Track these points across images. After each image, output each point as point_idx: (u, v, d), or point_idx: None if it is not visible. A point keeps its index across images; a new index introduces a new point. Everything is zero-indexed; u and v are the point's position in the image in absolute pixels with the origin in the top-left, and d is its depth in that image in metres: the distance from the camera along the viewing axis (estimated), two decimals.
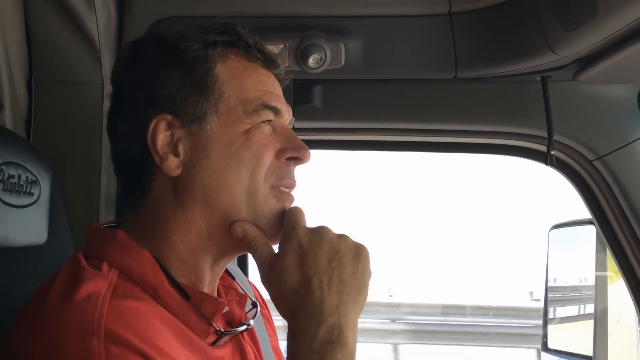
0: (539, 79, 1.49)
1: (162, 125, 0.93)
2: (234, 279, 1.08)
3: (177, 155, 0.93)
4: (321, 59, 1.48)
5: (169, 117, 0.93)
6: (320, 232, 0.91)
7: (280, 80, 1.03)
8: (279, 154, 0.96)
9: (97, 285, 0.84)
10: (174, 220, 0.93)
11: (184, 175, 0.93)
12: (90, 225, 0.97)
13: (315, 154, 1.70)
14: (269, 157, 0.95)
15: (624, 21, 1.14)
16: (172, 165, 0.93)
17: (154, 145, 0.93)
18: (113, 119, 0.99)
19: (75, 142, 1.47)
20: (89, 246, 0.94)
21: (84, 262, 0.89)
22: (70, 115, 1.47)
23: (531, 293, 7.29)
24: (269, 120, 0.97)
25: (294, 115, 1.59)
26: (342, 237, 0.92)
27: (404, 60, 1.52)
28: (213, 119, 0.94)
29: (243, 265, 1.85)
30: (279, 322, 1.15)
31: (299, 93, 1.58)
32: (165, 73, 0.94)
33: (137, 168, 0.95)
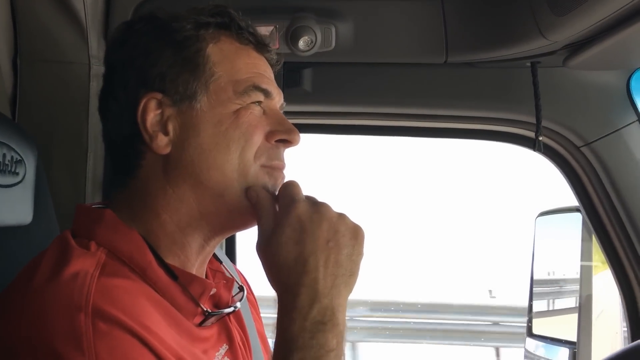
0: (528, 64, 1.49)
1: (152, 104, 0.93)
2: (221, 262, 1.08)
3: (166, 133, 0.93)
4: (311, 42, 1.47)
5: (159, 95, 0.93)
6: (321, 210, 0.90)
7: (271, 65, 1.03)
8: (268, 135, 0.96)
9: (86, 263, 0.84)
10: (164, 198, 0.93)
11: (174, 154, 0.93)
12: (79, 205, 0.97)
13: (304, 137, 1.71)
14: (258, 138, 0.95)
15: (614, 6, 1.14)
16: (162, 143, 0.93)
17: (143, 123, 0.93)
18: (104, 99, 0.99)
19: (61, 122, 1.45)
20: (77, 225, 0.94)
21: (72, 241, 0.88)
22: (56, 95, 1.46)
23: (490, 291, 7.35)
24: (259, 102, 0.97)
25: (283, 98, 1.58)
26: (341, 217, 0.91)
27: (394, 44, 1.52)
28: (203, 98, 0.94)
29: (230, 253, 1.85)
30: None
31: (289, 76, 1.57)
32: (156, 52, 0.94)
33: (127, 147, 0.95)
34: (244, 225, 0.99)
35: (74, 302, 0.79)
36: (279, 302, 0.89)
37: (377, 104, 1.61)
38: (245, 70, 0.97)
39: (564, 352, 2.17)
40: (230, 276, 1.07)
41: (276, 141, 0.97)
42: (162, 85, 0.93)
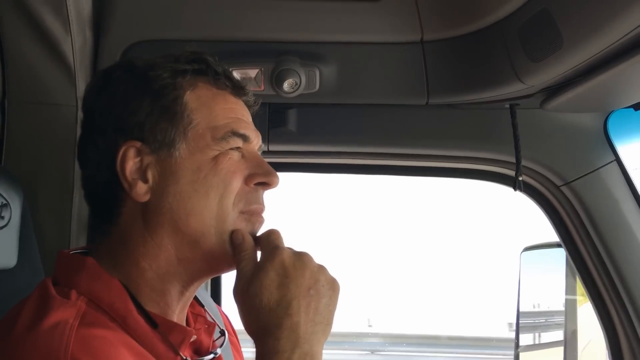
0: (507, 106, 1.52)
1: (131, 152, 0.94)
2: (203, 306, 1.08)
3: (145, 181, 0.94)
4: (296, 84, 1.50)
5: (137, 143, 0.94)
6: (304, 259, 0.92)
7: (249, 107, 1.04)
8: (247, 179, 0.97)
9: (65, 313, 0.84)
10: (143, 246, 0.94)
11: (153, 201, 0.94)
12: (61, 252, 0.97)
13: (289, 176, 1.73)
14: (237, 183, 0.96)
15: (588, 53, 1.18)
16: (141, 191, 0.94)
17: (122, 171, 0.94)
18: (83, 145, 1.00)
19: (47, 165, 1.46)
20: (59, 273, 0.94)
21: (52, 290, 0.89)
22: (43, 137, 1.47)
23: (510, 324, 7.35)
24: (238, 147, 0.98)
25: (268, 138, 1.60)
26: (321, 268, 0.93)
27: (377, 86, 1.55)
28: (182, 145, 0.95)
29: (215, 293, 1.86)
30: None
31: (274, 116, 1.59)
32: (134, 101, 0.95)
33: (106, 194, 0.96)
34: (220, 270, 1.00)
35: (53, 353, 0.79)
36: (257, 347, 0.89)
37: (361, 144, 1.63)
38: (222, 116, 0.98)
39: None
40: (212, 320, 1.07)
41: (255, 184, 0.98)
42: (140, 134, 0.94)
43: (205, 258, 0.95)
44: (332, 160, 1.71)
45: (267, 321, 0.88)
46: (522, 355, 2.50)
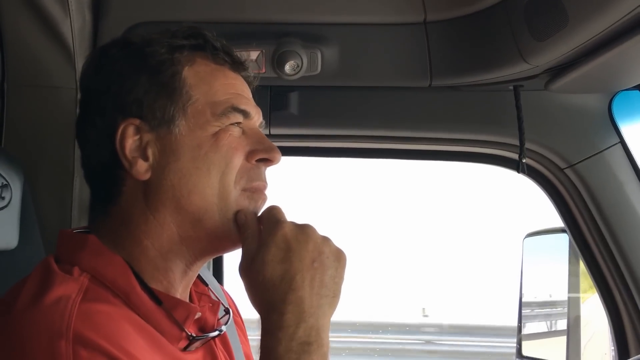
0: (511, 88, 1.51)
1: (130, 130, 0.93)
2: (207, 285, 1.08)
3: (146, 159, 0.93)
4: (297, 66, 1.49)
5: (136, 121, 0.93)
6: (307, 231, 0.90)
7: (249, 83, 1.03)
8: (249, 155, 0.96)
9: (68, 288, 0.84)
10: (145, 224, 0.93)
11: (154, 179, 0.93)
12: (62, 230, 0.97)
13: (290, 160, 1.72)
14: (238, 160, 0.95)
15: (593, 31, 1.16)
16: (142, 169, 0.92)
17: (122, 150, 0.92)
18: (82, 126, 0.99)
19: (47, 146, 1.45)
20: (61, 251, 0.93)
21: (54, 266, 0.88)
22: (43, 119, 1.46)
23: (423, 309, 7.41)
24: (238, 123, 0.96)
25: (270, 122, 1.59)
26: (326, 240, 0.92)
27: (379, 68, 1.54)
28: (181, 122, 0.93)
29: (218, 273, 1.85)
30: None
31: (276, 99, 1.58)
32: (131, 78, 0.94)
33: (107, 173, 0.95)
34: (223, 249, 0.99)
35: (55, 328, 0.78)
36: (262, 323, 0.88)
37: (363, 127, 1.62)
38: (222, 92, 0.96)
39: None
40: (216, 299, 1.06)
41: (257, 161, 0.97)
42: (139, 111, 0.93)
43: (209, 237, 0.94)
44: (334, 144, 1.71)
45: (271, 296, 0.87)
46: (524, 343, 2.50)
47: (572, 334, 2.18)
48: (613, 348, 1.68)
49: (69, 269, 0.88)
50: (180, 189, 0.92)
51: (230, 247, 0.97)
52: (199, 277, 1.05)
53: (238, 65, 1.01)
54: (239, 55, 1.02)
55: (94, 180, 0.98)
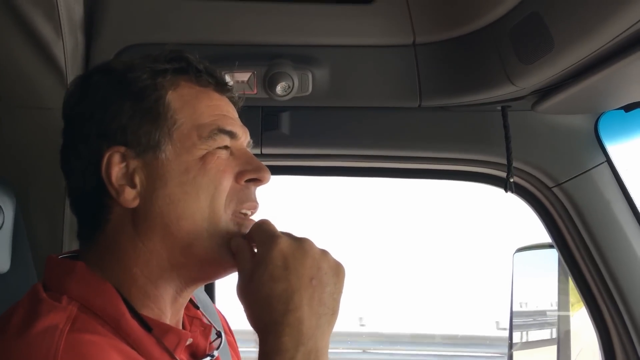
0: (499, 108, 1.53)
1: (116, 158, 0.92)
2: (198, 308, 1.07)
3: (133, 186, 0.92)
4: (289, 87, 1.50)
5: (122, 148, 0.92)
6: (304, 246, 0.88)
7: (234, 103, 1.02)
8: (238, 176, 0.95)
9: (56, 318, 0.82)
10: (134, 251, 0.92)
11: (142, 206, 0.91)
12: (50, 257, 0.95)
13: (282, 179, 1.73)
14: (227, 182, 0.94)
15: (578, 55, 1.18)
16: (129, 197, 0.91)
17: (108, 178, 0.91)
18: (66, 154, 0.98)
19: (39, 169, 1.45)
20: (49, 278, 0.92)
21: (43, 295, 0.87)
22: (35, 141, 1.46)
23: (497, 322, 7.41)
24: (225, 146, 0.96)
25: (262, 141, 1.59)
26: (324, 254, 0.89)
27: (370, 89, 1.55)
28: (167, 147, 0.92)
29: (210, 290, 1.85)
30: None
31: (267, 120, 1.59)
32: (115, 105, 0.93)
33: (93, 202, 0.93)
34: (215, 275, 0.98)
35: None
36: (260, 345, 0.86)
37: (354, 146, 1.64)
38: (207, 114, 0.95)
39: None
40: (208, 322, 1.05)
41: (246, 181, 0.96)
42: (124, 138, 0.92)
43: (199, 263, 0.93)
44: (325, 163, 1.72)
45: (268, 317, 0.85)
46: (515, 354, 2.51)
47: (562, 348, 2.20)
48: None
49: (57, 297, 0.86)
50: (169, 215, 0.91)
51: (221, 273, 0.97)
52: (191, 300, 1.04)
53: (222, 87, 1.00)
54: (222, 77, 1.01)
55: (80, 208, 0.97)
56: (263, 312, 0.86)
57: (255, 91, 1.50)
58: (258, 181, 0.97)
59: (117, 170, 0.91)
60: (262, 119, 1.59)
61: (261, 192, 1.01)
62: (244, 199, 0.95)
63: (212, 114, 0.96)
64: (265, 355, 0.84)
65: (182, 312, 0.99)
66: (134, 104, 0.93)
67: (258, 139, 1.57)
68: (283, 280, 0.85)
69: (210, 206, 0.92)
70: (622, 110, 1.52)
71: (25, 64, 1.44)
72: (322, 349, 0.85)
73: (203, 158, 0.93)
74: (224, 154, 0.95)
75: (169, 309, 0.94)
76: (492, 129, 1.56)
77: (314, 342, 0.84)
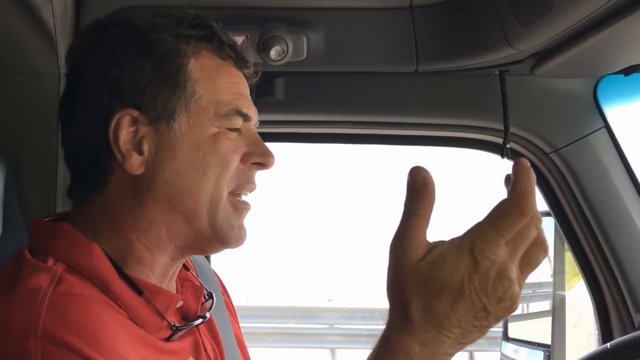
0: (497, 73, 1.51)
1: (127, 120, 0.89)
2: (188, 270, 1.05)
3: (140, 153, 0.89)
4: (283, 51, 1.47)
5: (135, 112, 0.89)
6: (511, 288, 0.70)
7: (247, 79, 1.00)
8: (244, 158, 0.94)
9: (39, 279, 0.81)
10: (133, 218, 0.90)
11: (147, 175, 0.89)
12: (35, 220, 0.93)
13: (276, 146, 1.71)
14: (234, 163, 0.92)
15: (578, 16, 1.16)
16: (135, 163, 0.89)
17: (115, 140, 0.89)
18: (69, 104, 0.93)
19: (30, 134, 1.43)
20: (34, 241, 0.90)
21: (27, 257, 0.85)
22: (25, 106, 1.44)
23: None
24: (237, 129, 0.94)
25: (257, 107, 1.57)
26: (515, 284, 0.71)
27: (366, 53, 1.53)
28: (182, 118, 0.90)
29: None
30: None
31: (261, 85, 1.56)
32: (134, 64, 0.89)
33: (93, 161, 0.91)
34: (209, 251, 0.97)
35: (24, 325, 0.75)
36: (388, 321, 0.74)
37: (349, 113, 1.62)
38: (227, 91, 0.93)
39: (538, 355, 2.20)
40: (199, 284, 1.03)
41: (251, 163, 0.95)
42: (139, 101, 0.89)
43: (197, 239, 0.92)
44: (320, 130, 1.70)
45: (437, 318, 0.70)
46: (510, 325, 2.53)
47: (557, 316, 2.21)
48: (597, 329, 1.71)
49: (42, 259, 0.84)
50: (174, 188, 0.89)
51: (217, 249, 0.96)
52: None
53: (242, 62, 0.98)
54: (243, 52, 0.98)
55: (77, 163, 0.94)
56: (413, 310, 0.71)
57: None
58: (262, 165, 0.96)
59: (125, 134, 0.89)
60: (256, 85, 1.56)
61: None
62: (245, 181, 0.95)
63: (231, 91, 0.94)
64: (391, 348, 0.72)
65: (175, 277, 0.98)
66: (155, 67, 0.90)
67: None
68: (458, 268, 0.70)
69: (215, 185, 0.91)
70: (622, 74, 1.50)
71: (14, 29, 1.41)
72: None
73: (215, 136, 0.91)
74: (234, 134, 0.93)
75: (162, 274, 0.93)
76: (489, 94, 1.55)
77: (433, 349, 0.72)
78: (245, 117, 0.95)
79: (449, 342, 0.72)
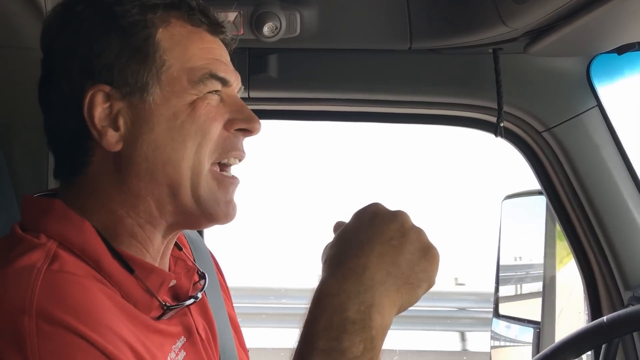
0: (491, 51, 1.51)
1: (100, 97, 0.87)
2: (181, 249, 1.04)
3: (117, 129, 0.88)
4: (276, 28, 1.46)
5: (106, 88, 0.88)
6: (396, 213, 0.84)
7: (226, 45, 0.97)
8: (227, 124, 0.91)
9: (33, 257, 0.80)
10: (119, 195, 0.89)
11: (126, 151, 0.88)
12: (26, 196, 0.92)
13: (269, 124, 1.71)
14: (216, 131, 0.90)
15: None
16: (112, 140, 0.88)
17: (91, 118, 0.87)
18: (45, 89, 0.93)
19: (20, 111, 1.41)
20: (26, 218, 0.89)
21: (19, 233, 0.84)
22: (15, 82, 1.42)
23: (456, 279, 7.56)
24: (217, 91, 0.91)
25: (249, 85, 1.56)
26: (417, 229, 0.84)
27: (359, 30, 1.52)
28: (155, 90, 0.88)
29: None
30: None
31: (254, 62, 1.56)
32: (100, 40, 0.88)
33: (73, 142, 0.90)
34: (198, 225, 0.95)
35: (18, 303, 0.74)
36: (318, 286, 0.81)
37: (343, 90, 1.61)
38: (199, 57, 0.90)
39: (528, 332, 2.23)
40: (192, 264, 1.03)
41: (235, 130, 0.92)
42: (109, 77, 0.87)
43: (184, 212, 0.90)
44: (313, 107, 1.70)
45: (337, 260, 0.82)
46: (501, 304, 2.56)
47: (548, 293, 2.23)
48: (587, 306, 1.72)
49: (35, 235, 0.84)
50: (154, 161, 0.87)
51: (204, 223, 0.94)
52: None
53: (216, 27, 0.95)
54: (216, 16, 0.95)
55: (59, 147, 0.93)
56: (334, 255, 0.83)
57: (242, 32, 1.46)
58: (248, 132, 0.93)
59: (100, 111, 0.87)
60: (249, 62, 1.55)
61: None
62: (229, 148, 0.92)
63: (204, 57, 0.91)
64: (321, 295, 0.80)
65: (167, 255, 0.97)
66: (121, 40, 0.88)
67: (245, 81, 1.52)
68: (363, 231, 0.83)
69: (196, 154, 0.89)
70: (615, 54, 1.50)
71: (3, 3, 1.39)
72: (380, 307, 0.79)
73: (193, 104, 0.88)
74: (214, 99, 0.90)
75: (155, 251, 0.92)
76: (483, 72, 1.55)
77: (372, 295, 0.79)
78: (223, 81, 0.92)
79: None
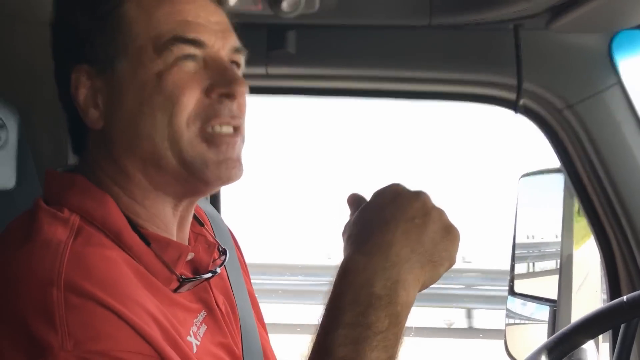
0: (511, 27, 1.49)
1: (82, 77, 0.88)
2: (202, 225, 1.05)
3: (96, 107, 0.88)
4: (295, 3, 1.45)
5: (85, 66, 0.88)
6: (418, 193, 0.84)
7: (219, 2, 0.92)
8: (208, 90, 0.87)
9: (58, 230, 0.81)
10: (113, 173, 0.89)
11: (107, 128, 0.88)
12: (49, 170, 0.93)
13: (288, 100, 1.70)
14: (189, 98, 0.86)
15: None
16: (93, 117, 0.88)
17: (77, 99, 0.89)
18: (55, 74, 0.95)
19: (42, 84, 1.42)
20: (49, 192, 0.90)
21: (44, 206, 0.85)
22: (36, 57, 1.42)
23: (463, 257, 7.56)
24: (192, 56, 0.87)
25: (267, 61, 1.55)
26: (439, 209, 0.84)
27: (379, 5, 1.51)
28: (123, 62, 0.86)
29: (215, 203, 1.84)
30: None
31: (273, 38, 1.55)
32: (73, 18, 0.88)
33: (73, 122, 0.92)
34: (196, 192, 0.94)
35: (46, 275, 0.75)
36: (342, 262, 0.82)
37: (361, 67, 1.60)
38: (164, 21, 0.86)
39: (544, 310, 2.23)
40: (213, 240, 1.04)
41: (219, 96, 0.88)
42: (84, 55, 0.87)
43: (177, 181, 0.89)
44: (332, 84, 1.69)
45: (360, 238, 0.82)
46: (517, 281, 2.55)
47: (565, 271, 2.22)
48: (605, 286, 1.72)
49: (58, 209, 0.85)
50: (129, 136, 0.87)
51: (203, 189, 0.93)
52: (195, 217, 1.02)
53: None
54: None
55: (69, 125, 0.95)
56: (358, 233, 0.83)
57: (260, 7, 1.45)
58: (231, 95, 0.88)
59: (83, 91, 0.88)
60: (268, 38, 1.54)
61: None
62: (212, 115, 0.87)
63: (170, 20, 0.86)
64: (347, 271, 0.80)
65: (187, 226, 0.98)
66: (90, 16, 0.87)
67: (263, 58, 1.54)
68: (387, 210, 0.82)
69: (169, 125, 0.85)
70: (638, 30, 1.48)
71: None
72: (405, 283, 0.78)
73: (160, 74, 0.85)
74: (190, 66, 0.87)
75: (165, 225, 0.92)
76: (503, 49, 1.53)
77: (397, 271, 0.79)
78: (194, 43, 0.87)
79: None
